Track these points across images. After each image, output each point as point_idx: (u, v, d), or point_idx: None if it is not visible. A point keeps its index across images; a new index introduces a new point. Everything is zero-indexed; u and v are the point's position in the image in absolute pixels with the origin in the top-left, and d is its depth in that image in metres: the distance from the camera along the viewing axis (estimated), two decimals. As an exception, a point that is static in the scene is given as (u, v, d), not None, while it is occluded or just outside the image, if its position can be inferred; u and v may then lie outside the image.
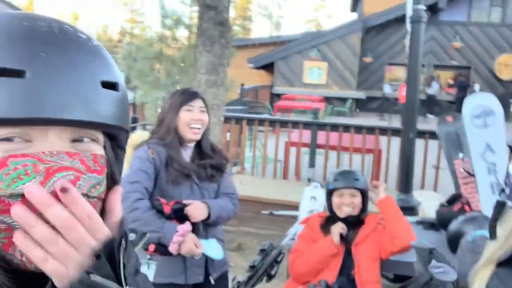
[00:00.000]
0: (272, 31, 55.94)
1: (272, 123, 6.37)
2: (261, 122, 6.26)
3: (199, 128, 2.04)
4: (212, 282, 2.07)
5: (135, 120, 15.61)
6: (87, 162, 0.51)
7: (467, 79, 16.84)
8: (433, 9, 16.47)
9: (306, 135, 6.18)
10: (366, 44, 16.99)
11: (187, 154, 2.07)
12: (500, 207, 1.20)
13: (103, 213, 0.53)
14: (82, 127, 0.51)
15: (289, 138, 6.26)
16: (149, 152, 2.00)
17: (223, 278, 2.17)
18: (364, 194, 2.29)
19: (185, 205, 1.95)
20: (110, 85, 0.52)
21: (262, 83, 17.44)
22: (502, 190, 1.15)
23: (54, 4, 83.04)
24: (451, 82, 17.34)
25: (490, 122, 3.67)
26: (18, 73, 0.47)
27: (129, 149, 2.24)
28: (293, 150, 6.35)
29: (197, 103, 2.05)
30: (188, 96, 2.05)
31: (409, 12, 3.83)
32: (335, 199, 2.30)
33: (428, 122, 12.69)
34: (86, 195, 0.50)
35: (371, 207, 2.39)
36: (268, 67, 17.31)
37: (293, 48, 16.59)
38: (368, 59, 16.99)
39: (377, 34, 17.02)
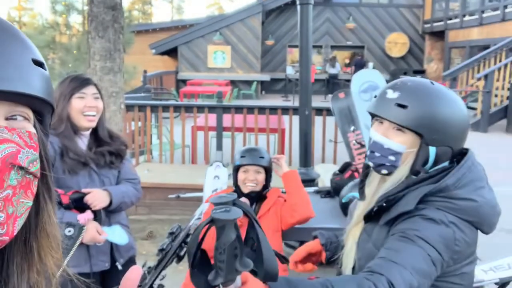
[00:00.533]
0: (174, 15, 54.83)
1: (177, 108, 6.33)
2: (165, 108, 6.19)
3: (93, 115, 1.99)
4: (120, 267, 2.06)
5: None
6: (24, 137, 0.52)
7: (362, 57, 17.96)
8: (327, -8, 17.27)
9: (212, 119, 6.23)
10: (267, 27, 17.36)
11: (83, 142, 2.02)
12: (365, 169, 1.36)
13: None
14: (15, 102, 0.52)
15: (195, 123, 6.26)
16: None
17: (131, 262, 2.17)
18: (267, 171, 2.40)
19: (85, 194, 1.92)
20: (40, 64, 0.55)
21: (166, 69, 17.11)
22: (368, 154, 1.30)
23: None
24: (348, 61, 18.40)
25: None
26: None
27: None
28: (200, 134, 6.38)
29: (90, 90, 1.99)
30: (79, 83, 1.98)
31: (299, -6, 4.00)
32: (240, 175, 2.39)
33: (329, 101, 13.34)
34: (25, 169, 0.51)
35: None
36: (172, 53, 17.02)
37: (196, 32, 16.46)
38: (270, 42, 17.41)
39: (277, 17, 17.47)
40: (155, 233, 4.80)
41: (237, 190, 2.44)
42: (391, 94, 1.21)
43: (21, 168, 0.50)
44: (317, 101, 12.56)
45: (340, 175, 3.01)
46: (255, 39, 16.57)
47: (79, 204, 1.91)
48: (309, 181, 3.98)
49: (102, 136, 2.06)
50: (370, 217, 1.27)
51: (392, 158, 1.22)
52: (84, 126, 1.99)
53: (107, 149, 2.04)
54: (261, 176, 2.38)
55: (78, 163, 1.95)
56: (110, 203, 1.98)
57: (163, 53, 17.27)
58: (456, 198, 1.15)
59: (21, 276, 0.54)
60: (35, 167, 0.53)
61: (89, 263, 1.97)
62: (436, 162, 1.21)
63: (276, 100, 14.76)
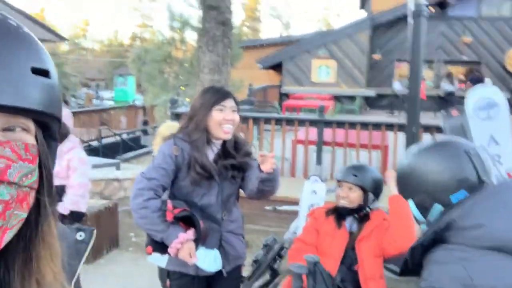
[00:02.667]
0: (282, 31, 56.05)
1: (279, 121, 6.39)
2: (267, 120, 6.28)
3: (230, 128, 2.04)
4: (225, 274, 2.10)
5: (145, 123, 15.78)
6: (18, 151, 0.50)
7: (480, 74, 16.65)
8: (442, 5, 16.36)
9: (313, 133, 6.19)
10: (375, 42, 16.91)
11: (212, 152, 2.07)
12: None
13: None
14: (11, 114, 0.49)
15: (295, 136, 6.27)
16: (173, 148, 2.02)
17: (236, 271, 2.20)
18: (365, 190, 2.29)
19: (190, 215, 1.94)
20: (41, 72, 0.52)
21: (271, 83, 17.46)
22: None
23: (65, 11, 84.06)
24: (463, 77, 17.18)
25: (494, 114, 3.65)
26: None
27: (158, 139, 2.30)
28: (300, 148, 6.37)
29: (229, 103, 2.05)
30: (221, 95, 2.05)
31: (411, 7, 3.83)
32: (337, 190, 2.35)
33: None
34: (16, 184, 0.49)
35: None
36: (277, 67, 17.33)
37: (301, 47, 16.58)
38: (377, 56, 16.92)
39: (386, 31, 16.94)
40: (250, 243, 4.85)
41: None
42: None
43: (11, 183, 0.49)
44: (426, 118, 11.89)
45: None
46: (361, 53, 16.23)
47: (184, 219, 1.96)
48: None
49: (229, 148, 2.09)
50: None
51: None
52: (220, 137, 2.04)
53: (231, 163, 2.08)
54: (354, 194, 2.28)
55: (202, 177, 2.01)
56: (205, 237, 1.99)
57: (268, 68, 17.67)
58: (462, 229, 1.04)
59: (22, 284, 0.53)
60: (30, 180, 0.51)
61: (195, 266, 2.02)
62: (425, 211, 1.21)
63: (381, 116, 14.25)
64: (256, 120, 6.40)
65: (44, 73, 0.52)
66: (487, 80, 16.30)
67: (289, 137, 6.46)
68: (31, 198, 0.52)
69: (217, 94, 2.06)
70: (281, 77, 17.05)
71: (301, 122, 6.23)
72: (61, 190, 4.10)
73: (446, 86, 15.96)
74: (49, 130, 0.56)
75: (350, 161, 6.38)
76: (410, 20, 3.75)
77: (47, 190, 0.55)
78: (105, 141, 12.91)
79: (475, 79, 15.84)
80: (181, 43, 11.03)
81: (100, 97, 30.57)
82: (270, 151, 6.37)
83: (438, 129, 5.24)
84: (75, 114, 13.55)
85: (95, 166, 6.30)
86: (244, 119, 6.34)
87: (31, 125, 0.52)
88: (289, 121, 6.34)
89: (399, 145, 5.62)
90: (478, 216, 1.04)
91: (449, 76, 16.17)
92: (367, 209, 2.30)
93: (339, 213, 2.31)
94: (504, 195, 1.09)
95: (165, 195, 2.04)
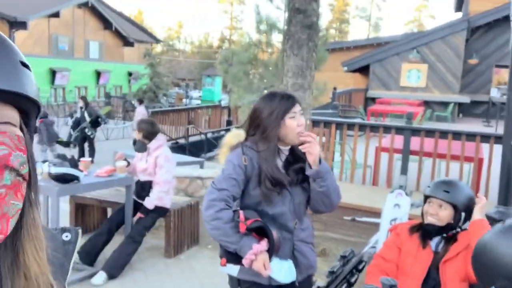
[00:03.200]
0: (371, 33, 54.58)
1: (362, 127, 6.19)
2: (351, 126, 6.12)
3: (303, 132, 2.00)
4: (297, 284, 2.06)
5: (229, 123, 16.19)
6: (14, 140, 0.53)
7: None
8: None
9: (399, 141, 5.92)
10: (471, 45, 15.84)
11: (281, 160, 2.04)
12: None
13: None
14: (7, 102, 0.53)
15: (379, 143, 6.04)
16: (242, 158, 1.98)
17: (308, 280, 2.16)
18: (457, 208, 2.13)
19: (263, 225, 1.91)
20: (26, 65, 0.56)
21: (356, 86, 17.05)
22: None
23: (161, 14, 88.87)
24: None
25: None
26: None
27: (224, 148, 2.30)
28: (384, 156, 6.12)
29: (297, 107, 2.01)
30: (291, 102, 2.00)
31: (515, 9, 3.50)
32: (425, 205, 2.21)
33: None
34: (16, 171, 0.52)
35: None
36: (363, 70, 16.89)
37: (390, 50, 16.00)
38: (473, 61, 15.83)
39: (484, 34, 15.79)
40: (328, 251, 4.76)
41: (422, 219, 2.24)
42: None
43: (13, 169, 0.51)
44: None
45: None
46: (456, 57, 15.29)
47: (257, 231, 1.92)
48: (509, 223, 3.41)
49: (297, 151, 2.03)
50: None
51: None
52: (296, 143, 1.99)
53: (300, 166, 2.02)
54: (445, 213, 2.12)
55: (273, 192, 1.96)
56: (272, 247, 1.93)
57: (354, 71, 17.27)
58: None
59: (12, 280, 0.53)
60: (25, 170, 0.54)
61: (268, 276, 1.98)
62: None
63: (475, 125, 13.31)
64: (339, 125, 6.26)
65: (28, 67, 0.57)
66: None
67: (373, 144, 6.24)
68: (23, 189, 0.54)
69: (287, 101, 1.99)
70: (368, 81, 16.59)
71: (387, 129, 5.98)
72: (149, 186, 4.33)
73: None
74: (29, 124, 0.59)
75: (439, 173, 6.01)
76: (513, 23, 3.43)
77: (33, 183, 0.57)
78: (191, 139, 13.45)
79: None
80: (267, 46, 11.13)
81: (189, 96, 31.91)
82: (352, 157, 6.21)
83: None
84: (165, 112, 14.29)
85: (181, 164, 6.54)
86: (326, 124, 6.24)
87: (18, 118, 0.56)
88: (374, 127, 6.11)
89: (495, 159, 5.18)
90: None
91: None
92: (458, 229, 2.13)
93: (425, 231, 2.16)
94: None
95: (235, 205, 2.03)
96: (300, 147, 1.97)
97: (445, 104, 15.17)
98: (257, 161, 1.98)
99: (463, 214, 2.10)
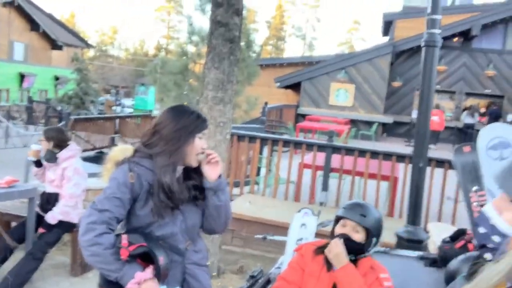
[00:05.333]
0: (305, 51, 56.22)
1: (287, 143, 6.24)
2: (275, 142, 6.14)
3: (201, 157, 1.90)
4: None
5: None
6: None
7: (500, 108, 16.31)
8: (466, 36, 16.14)
9: (321, 158, 6.03)
10: (395, 69, 16.74)
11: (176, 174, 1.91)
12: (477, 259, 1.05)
13: None
14: None
15: (302, 160, 6.11)
16: (128, 175, 1.81)
17: None
18: (369, 234, 2.11)
19: (148, 251, 1.75)
20: None
21: (288, 102, 17.37)
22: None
23: (95, 18, 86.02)
24: (483, 110, 16.84)
25: (507, 155, 3.45)
26: None
27: (109, 164, 2.11)
28: (307, 172, 6.20)
29: (206, 131, 1.93)
30: (203, 123, 1.90)
31: (425, 37, 3.68)
32: (338, 227, 2.16)
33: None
34: None
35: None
36: (295, 87, 17.27)
37: (321, 69, 16.51)
38: (397, 84, 16.73)
39: (408, 59, 16.77)
40: (245, 268, 4.67)
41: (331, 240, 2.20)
42: None
43: None
44: (444, 150, 11.59)
45: (451, 243, 2.58)
46: (381, 79, 16.06)
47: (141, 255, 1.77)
48: (415, 242, 3.53)
49: (190, 169, 1.92)
50: None
51: (496, 239, 0.90)
52: (191, 165, 1.88)
53: (192, 183, 1.90)
54: (358, 236, 2.10)
55: (167, 207, 1.81)
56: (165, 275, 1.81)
57: (287, 87, 17.61)
58: None
59: None
60: None
61: None
62: None
63: (397, 144, 13.99)
64: (264, 141, 6.27)
65: None
66: (509, 116, 15.95)
67: (297, 160, 6.30)
68: None
69: (200, 121, 1.89)
70: (299, 98, 16.96)
71: (309, 146, 6.07)
72: (55, 199, 4.02)
73: (466, 119, 15.65)
74: None
75: (358, 189, 6.17)
76: (423, 51, 3.60)
77: None
78: (117, 149, 12.92)
79: (493, 113, 15.57)
80: (199, 57, 11.03)
81: (121, 104, 30.92)
82: (276, 173, 6.22)
83: (451, 164, 5.03)
84: (90, 120, 13.66)
85: (94, 175, 6.22)
86: (252, 138, 6.22)
87: None
88: (297, 144, 6.18)
89: (409, 178, 5.41)
90: None
91: (470, 109, 15.87)
92: (366, 253, 2.11)
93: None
94: None
95: (119, 228, 1.86)
96: (208, 158, 1.87)
97: (370, 124, 15.83)
98: (145, 178, 1.82)
99: (374, 239, 2.09)
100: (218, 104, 4.01)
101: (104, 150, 12.90)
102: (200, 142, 1.87)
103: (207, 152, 1.88)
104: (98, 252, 1.71)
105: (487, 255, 0.94)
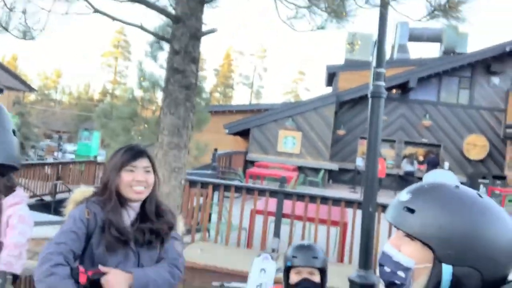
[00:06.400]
0: (252, 99, 57.48)
1: (238, 189, 6.26)
2: (227, 187, 6.15)
3: (142, 189, 1.92)
4: None
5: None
6: None
7: (437, 156, 17.29)
8: (404, 88, 17.24)
9: (273, 204, 6.08)
10: (339, 117, 17.46)
11: (128, 215, 1.93)
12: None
13: None
14: None
15: (254, 206, 6.13)
16: (85, 212, 1.86)
17: None
18: (322, 271, 2.15)
19: (105, 274, 1.77)
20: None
21: (238, 149, 17.52)
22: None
23: (36, 60, 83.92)
24: (422, 159, 17.77)
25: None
26: None
27: (71, 205, 2.09)
28: (259, 218, 6.21)
29: (141, 163, 1.93)
30: (131, 155, 1.93)
31: (371, 88, 3.93)
32: (293, 276, 2.16)
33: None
34: None
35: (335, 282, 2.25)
36: (244, 134, 17.50)
37: (269, 117, 16.90)
38: (341, 132, 17.39)
39: (351, 108, 17.58)
40: (198, 319, 4.53)
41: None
42: (404, 196, 1.02)
43: None
44: (385, 197, 12.04)
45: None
46: (326, 128, 16.65)
47: (99, 287, 1.75)
48: (368, 286, 3.60)
49: (148, 212, 1.96)
50: None
51: (401, 274, 0.98)
52: (132, 198, 1.92)
53: (148, 227, 1.93)
54: (316, 278, 2.14)
55: (118, 241, 1.84)
56: None
57: (236, 134, 17.81)
58: None
59: None
60: None
61: None
62: (457, 286, 0.93)
63: (342, 191, 14.37)
64: (216, 186, 6.26)
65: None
66: (446, 163, 16.94)
67: (248, 206, 6.31)
68: None
69: (127, 154, 1.94)
70: (248, 144, 17.17)
71: (261, 192, 6.13)
72: (-4, 247, 3.77)
73: (406, 166, 16.43)
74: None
75: (309, 235, 6.24)
76: (369, 102, 3.83)
77: None
78: (60, 196, 12.36)
79: (431, 161, 16.49)
80: (149, 103, 11.00)
81: (63, 149, 29.81)
82: (228, 219, 6.18)
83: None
84: (32, 165, 13.05)
85: (41, 224, 5.93)
86: (204, 184, 6.20)
87: None
88: (249, 190, 6.22)
89: (357, 223, 5.56)
90: None
91: (410, 157, 16.72)
92: None
93: None
94: None
95: (75, 264, 1.83)
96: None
97: (316, 170, 16.22)
98: (101, 216, 1.86)
99: (327, 276, 2.14)
100: (173, 149, 4.01)
101: (45, 197, 12.31)
102: (128, 175, 1.91)
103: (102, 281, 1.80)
104: (55, 283, 1.66)
105: None
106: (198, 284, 5.11)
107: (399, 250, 0.99)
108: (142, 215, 1.96)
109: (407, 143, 17.86)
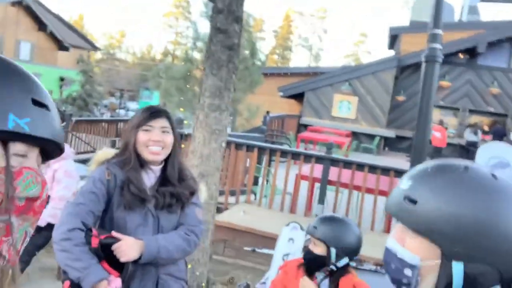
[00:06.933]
0: (311, 62, 56.32)
1: (284, 153, 6.17)
2: (273, 151, 6.08)
3: (159, 150, 1.88)
4: None
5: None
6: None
7: (504, 127, 16.20)
8: (471, 53, 16.09)
9: (319, 170, 5.95)
10: (400, 82, 16.68)
11: (149, 178, 1.91)
12: None
13: None
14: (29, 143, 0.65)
15: (299, 171, 6.04)
16: (105, 173, 1.86)
17: None
18: (327, 245, 2.01)
19: (117, 240, 1.75)
20: (40, 104, 0.64)
21: (291, 112, 17.33)
22: None
23: (104, 21, 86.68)
24: (487, 129, 16.73)
25: (506, 176, 3.37)
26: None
27: (93, 166, 2.10)
28: (304, 184, 6.12)
29: (158, 123, 1.88)
30: (148, 115, 1.89)
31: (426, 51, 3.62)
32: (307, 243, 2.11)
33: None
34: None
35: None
36: (299, 97, 17.23)
37: (324, 80, 16.47)
38: (401, 98, 16.65)
39: (412, 73, 16.70)
40: (236, 280, 4.59)
41: None
42: (404, 184, 0.87)
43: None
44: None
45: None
46: (385, 93, 16.00)
47: (108, 252, 1.73)
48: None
49: (169, 175, 1.93)
50: None
51: (408, 273, 0.85)
52: (148, 159, 1.89)
53: (169, 190, 1.90)
54: (317, 249, 2.01)
55: (136, 199, 1.83)
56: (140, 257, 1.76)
57: (290, 97, 17.57)
58: None
59: None
60: None
61: None
62: (469, 286, 0.80)
63: (398, 159, 13.88)
64: (261, 150, 6.21)
65: (42, 105, 0.65)
66: (512, 134, 15.84)
67: (294, 171, 6.22)
68: None
69: (144, 113, 1.91)
70: (302, 108, 16.92)
71: (308, 157, 6.00)
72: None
73: (469, 136, 15.53)
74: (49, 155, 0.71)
75: (356, 204, 6.09)
76: (423, 66, 3.54)
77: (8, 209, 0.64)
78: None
79: (497, 132, 15.47)
80: (202, 63, 11.02)
81: (125, 107, 30.95)
82: (272, 182, 6.15)
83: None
84: (91, 122, 13.65)
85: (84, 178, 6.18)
86: (249, 147, 6.16)
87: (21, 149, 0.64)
88: (295, 155, 6.12)
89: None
90: None
91: (474, 126, 15.77)
92: (332, 267, 2.00)
93: (305, 263, 2.06)
94: None
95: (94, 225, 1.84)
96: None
97: (371, 137, 15.74)
98: (121, 178, 1.85)
99: (332, 250, 1.98)
100: (214, 112, 3.95)
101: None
102: (144, 135, 1.88)
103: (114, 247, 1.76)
104: (67, 247, 1.69)
105: None
106: (238, 245, 5.16)
107: (403, 245, 0.86)
108: (164, 179, 1.93)
109: (472, 111, 16.83)
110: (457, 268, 0.80)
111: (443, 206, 0.80)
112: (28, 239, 0.68)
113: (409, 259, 0.84)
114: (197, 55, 12.19)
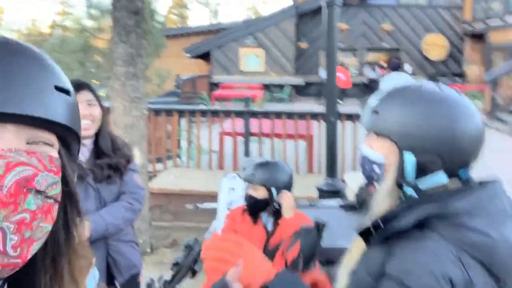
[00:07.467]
0: (211, 19, 55.38)
1: (204, 113, 6.25)
2: (192, 113, 6.12)
3: (87, 124, 1.86)
4: (118, 286, 1.94)
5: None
6: (44, 161, 0.53)
7: (398, 60, 17.45)
8: (362, -7, 16.90)
9: (240, 124, 6.12)
10: (300, 30, 17.14)
11: (82, 152, 1.91)
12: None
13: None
14: (39, 127, 0.53)
15: (222, 128, 6.16)
16: None
17: (132, 281, 2.05)
18: (266, 186, 2.17)
19: None
20: (64, 91, 0.56)
21: (201, 73, 17.17)
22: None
23: (-25, -3, 77.60)
24: (384, 64, 17.93)
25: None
26: None
27: None
28: (228, 140, 6.28)
29: (82, 97, 1.86)
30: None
31: (327, -4, 3.82)
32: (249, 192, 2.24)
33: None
34: (43, 192, 0.51)
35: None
36: (206, 56, 17.07)
37: (229, 36, 16.44)
38: (303, 45, 17.17)
39: (311, 19, 17.21)
40: (178, 241, 4.71)
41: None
42: (372, 102, 1.11)
43: (39, 192, 0.51)
44: (352, 106, 12.27)
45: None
46: (288, 42, 16.40)
47: None
48: (334, 193, 3.79)
49: (103, 147, 1.94)
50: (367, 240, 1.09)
51: (377, 170, 1.08)
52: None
53: (106, 162, 1.92)
54: (258, 193, 2.18)
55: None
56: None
57: (198, 57, 17.34)
58: (466, 228, 0.93)
59: None
60: (54, 191, 0.53)
61: None
62: (421, 173, 1.02)
63: (309, 105, 14.51)
64: (181, 113, 6.22)
65: (67, 92, 0.57)
66: (407, 66, 17.17)
67: (216, 129, 6.34)
68: (54, 211, 0.54)
69: None
70: (210, 67, 16.84)
71: (227, 114, 6.13)
72: None
73: (369, 73, 16.58)
74: (70, 148, 0.60)
75: (278, 151, 6.39)
76: (324, 11, 3.75)
77: (74, 203, 0.58)
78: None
79: (394, 65, 16.67)
80: (101, 32, 10.46)
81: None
82: (197, 144, 6.23)
83: (359, 117, 5.37)
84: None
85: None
86: (168, 112, 6.14)
87: (54, 140, 0.56)
88: (215, 113, 6.22)
89: (323, 134, 5.70)
90: (486, 224, 0.94)
91: (371, 64, 16.82)
92: (275, 205, 2.19)
93: (248, 206, 2.22)
94: (502, 200, 1.00)
95: None
96: None
97: (282, 87, 16.20)
98: None
99: (273, 189, 2.16)
100: (130, 80, 3.90)
101: None
102: None
103: None
104: None
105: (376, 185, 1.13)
106: (174, 208, 5.25)
107: (371, 148, 1.08)
108: (98, 152, 1.94)
109: (369, 49, 17.87)
110: (409, 158, 1.01)
111: (397, 109, 1.03)
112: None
113: (376, 159, 1.07)
114: (92, 24, 11.49)
